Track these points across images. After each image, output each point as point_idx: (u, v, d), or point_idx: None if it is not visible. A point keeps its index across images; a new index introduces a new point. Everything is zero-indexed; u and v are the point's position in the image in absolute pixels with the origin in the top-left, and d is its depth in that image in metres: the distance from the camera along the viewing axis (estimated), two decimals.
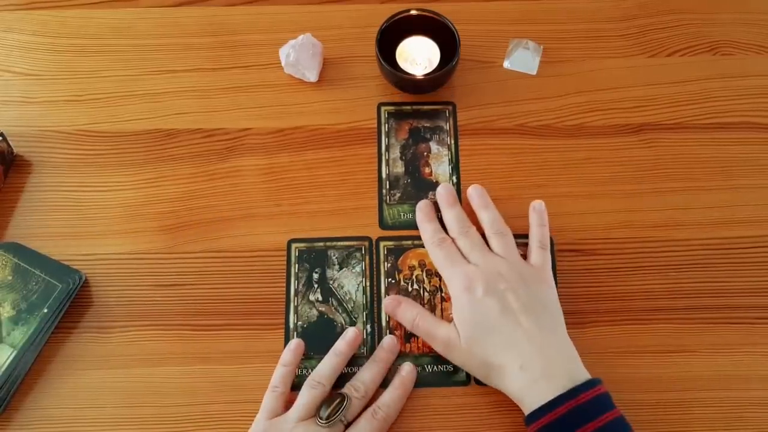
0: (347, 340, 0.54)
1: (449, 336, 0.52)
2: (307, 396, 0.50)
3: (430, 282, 0.57)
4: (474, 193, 0.58)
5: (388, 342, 0.54)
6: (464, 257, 0.54)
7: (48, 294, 0.55)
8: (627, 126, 0.63)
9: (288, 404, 0.51)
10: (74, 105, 0.65)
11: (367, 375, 0.52)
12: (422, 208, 0.58)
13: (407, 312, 0.54)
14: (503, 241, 0.55)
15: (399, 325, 0.56)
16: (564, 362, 0.49)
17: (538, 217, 0.57)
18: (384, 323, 0.56)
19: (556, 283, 0.55)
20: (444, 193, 0.58)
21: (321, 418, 0.48)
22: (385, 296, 0.57)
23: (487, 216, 0.56)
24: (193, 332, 0.55)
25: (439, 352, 0.53)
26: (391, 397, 0.51)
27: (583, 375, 0.49)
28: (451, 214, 0.57)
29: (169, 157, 0.62)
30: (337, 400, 0.49)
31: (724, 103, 0.64)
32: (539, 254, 0.55)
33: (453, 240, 0.56)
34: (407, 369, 0.53)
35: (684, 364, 0.54)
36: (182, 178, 0.61)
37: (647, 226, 0.59)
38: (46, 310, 0.54)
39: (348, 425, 0.50)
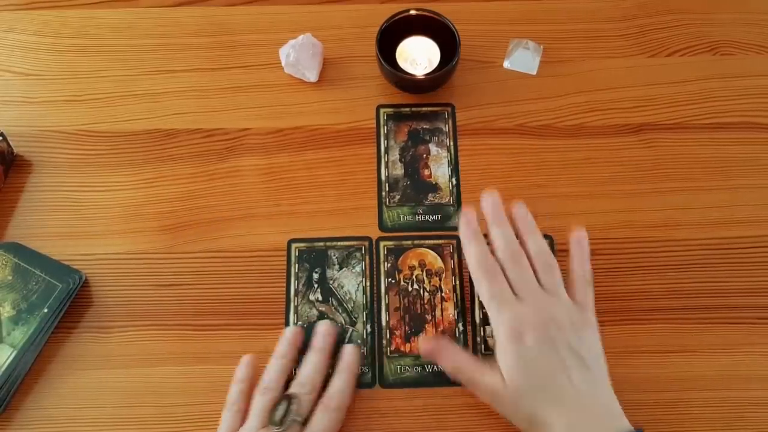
0: (286, 338, 0.53)
1: (495, 385, 0.49)
2: (260, 402, 0.49)
3: (430, 282, 0.57)
4: (518, 213, 0.54)
5: (323, 327, 0.53)
6: (511, 287, 0.51)
7: (48, 294, 0.55)
8: (627, 126, 0.63)
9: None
10: (74, 105, 0.65)
11: (310, 368, 0.51)
12: (468, 222, 0.53)
13: (448, 358, 0.51)
14: (552, 277, 0.51)
15: (399, 325, 0.56)
16: (609, 416, 0.47)
17: (580, 249, 0.53)
18: (384, 323, 0.56)
19: None
20: (490, 208, 0.54)
21: (274, 425, 0.47)
22: (385, 296, 0.57)
23: (535, 246, 0.52)
24: (192, 332, 0.55)
25: (483, 400, 0.51)
26: (340, 383, 0.51)
27: (625, 427, 0.47)
28: (500, 235, 0.52)
29: (169, 157, 0.62)
30: (285, 403, 0.48)
31: (724, 103, 0.64)
32: (584, 291, 0.51)
33: (500, 263, 0.52)
34: (349, 351, 0.53)
35: (683, 364, 0.54)
36: (182, 178, 0.61)
37: (646, 226, 0.59)
38: (46, 310, 0.54)
39: (306, 422, 0.49)
